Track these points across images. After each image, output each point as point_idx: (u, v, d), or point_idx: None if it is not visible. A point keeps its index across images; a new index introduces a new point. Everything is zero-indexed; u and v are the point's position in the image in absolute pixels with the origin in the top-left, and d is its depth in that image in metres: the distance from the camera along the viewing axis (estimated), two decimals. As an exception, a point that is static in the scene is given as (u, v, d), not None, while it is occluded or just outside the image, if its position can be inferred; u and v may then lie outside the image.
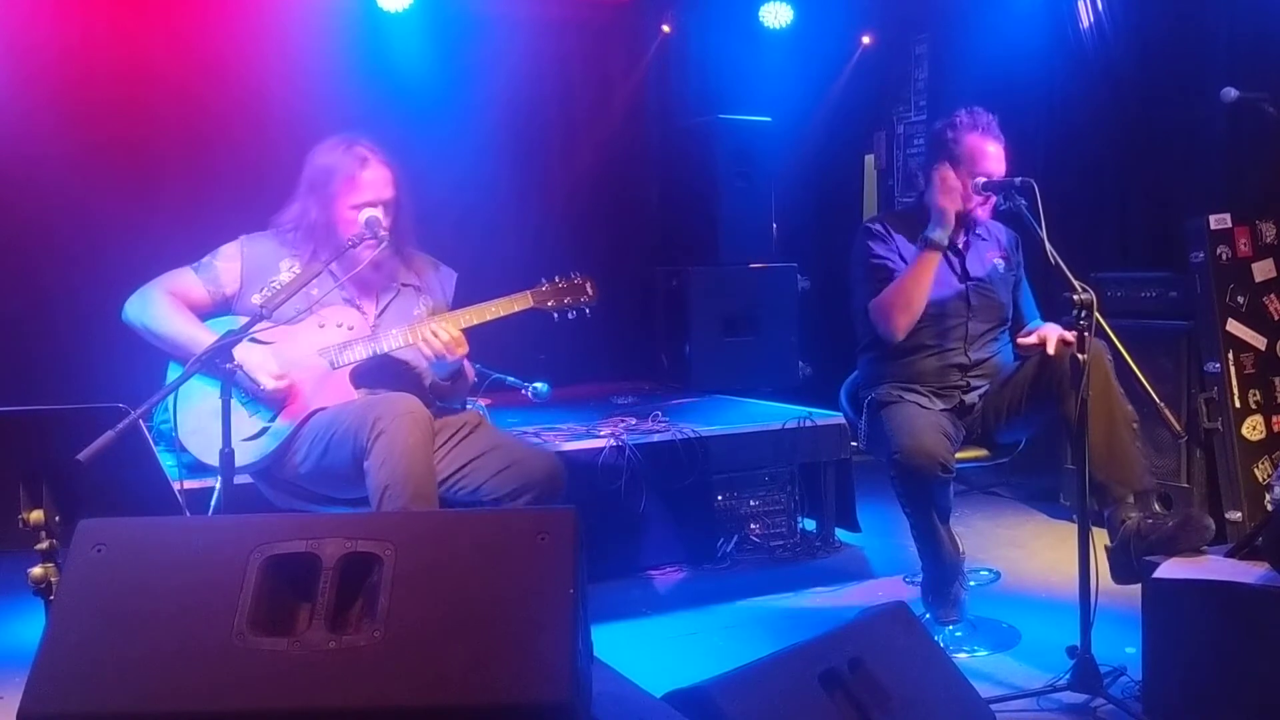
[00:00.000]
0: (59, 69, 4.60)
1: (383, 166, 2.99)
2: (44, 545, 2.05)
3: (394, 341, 2.95)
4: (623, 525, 4.06)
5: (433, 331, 2.87)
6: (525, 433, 4.09)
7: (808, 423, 4.41)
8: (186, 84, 4.81)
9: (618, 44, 5.98)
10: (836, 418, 4.33)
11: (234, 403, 2.65)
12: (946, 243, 3.28)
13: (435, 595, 1.65)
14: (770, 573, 4.19)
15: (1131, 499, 3.05)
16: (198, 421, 2.79)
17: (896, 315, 3.30)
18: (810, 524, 4.55)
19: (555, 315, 3.03)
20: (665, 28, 6.05)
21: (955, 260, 3.43)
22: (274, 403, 2.88)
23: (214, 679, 1.58)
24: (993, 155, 3.32)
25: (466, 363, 3.10)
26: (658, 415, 4.41)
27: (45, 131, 4.47)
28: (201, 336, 2.81)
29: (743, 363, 5.55)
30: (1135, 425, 3.12)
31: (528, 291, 3.00)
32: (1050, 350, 3.16)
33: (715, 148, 5.62)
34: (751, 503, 4.38)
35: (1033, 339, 3.26)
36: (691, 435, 4.19)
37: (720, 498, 4.32)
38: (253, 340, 2.78)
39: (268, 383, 2.83)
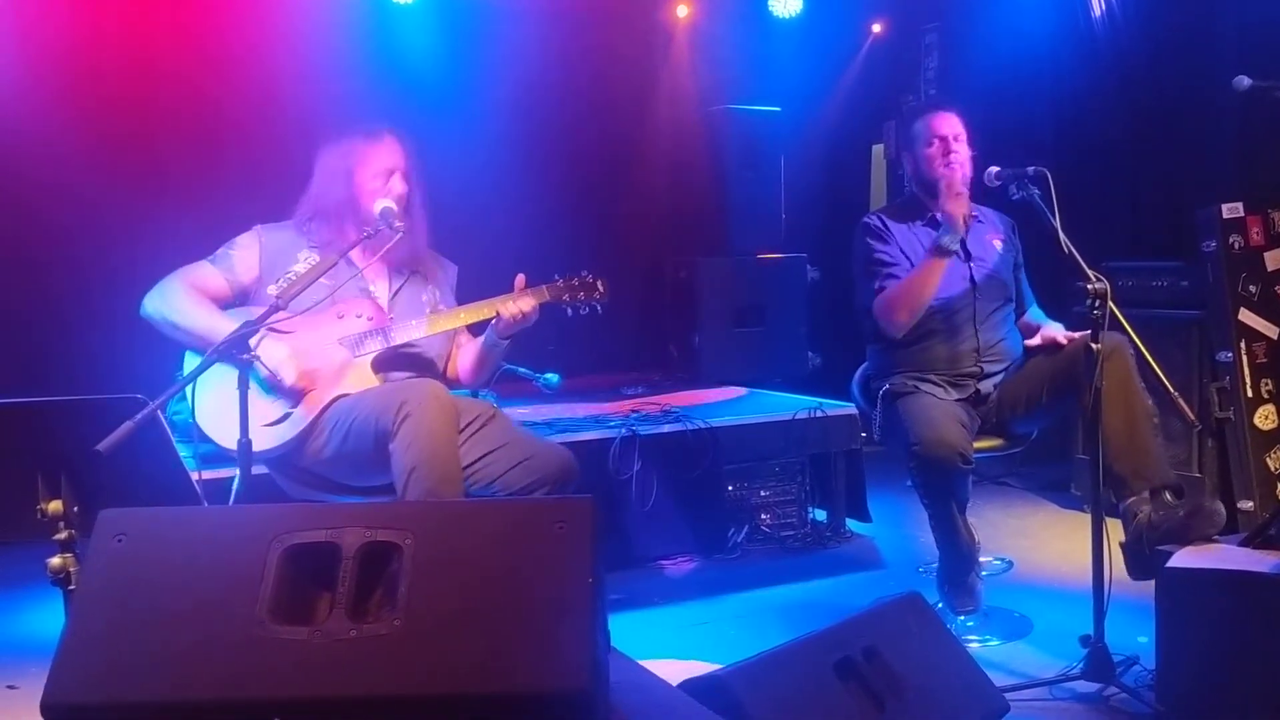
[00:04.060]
0: (69, 64, 4.59)
1: (391, 137, 3.09)
2: (62, 535, 2.05)
3: (413, 333, 2.99)
4: (634, 516, 4.06)
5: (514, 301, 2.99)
6: (536, 424, 4.09)
7: (818, 413, 4.40)
8: (196, 77, 4.80)
9: (626, 34, 5.96)
10: (847, 408, 4.33)
11: (254, 388, 2.66)
12: (957, 248, 3.29)
13: (454, 584, 1.65)
14: (781, 563, 4.20)
15: (1147, 494, 3.01)
16: (217, 407, 2.77)
17: (900, 314, 3.31)
18: (821, 514, 4.56)
19: (569, 310, 3.10)
20: (680, 10, 6.04)
21: None
22: (294, 393, 2.89)
23: (235, 668, 1.59)
24: (943, 119, 3.41)
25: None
26: (668, 406, 4.42)
27: (56, 127, 4.46)
28: (224, 326, 2.80)
29: (752, 353, 5.55)
30: (1155, 421, 3.11)
31: (543, 286, 3.07)
32: (1062, 339, 3.17)
33: (724, 138, 5.62)
34: (762, 493, 4.39)
35: (1037, 340, 3.32)
36: (702, 426, 4.19)
37: (731, 488, 4.32)
38: (272, 331, 2.78)
39: (289, 377, 2.83)
